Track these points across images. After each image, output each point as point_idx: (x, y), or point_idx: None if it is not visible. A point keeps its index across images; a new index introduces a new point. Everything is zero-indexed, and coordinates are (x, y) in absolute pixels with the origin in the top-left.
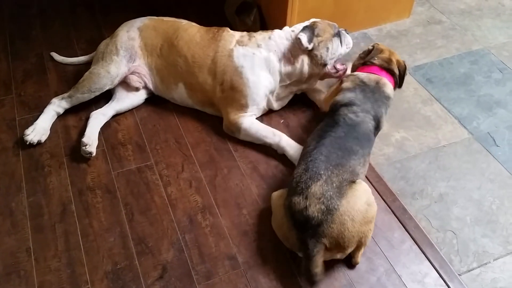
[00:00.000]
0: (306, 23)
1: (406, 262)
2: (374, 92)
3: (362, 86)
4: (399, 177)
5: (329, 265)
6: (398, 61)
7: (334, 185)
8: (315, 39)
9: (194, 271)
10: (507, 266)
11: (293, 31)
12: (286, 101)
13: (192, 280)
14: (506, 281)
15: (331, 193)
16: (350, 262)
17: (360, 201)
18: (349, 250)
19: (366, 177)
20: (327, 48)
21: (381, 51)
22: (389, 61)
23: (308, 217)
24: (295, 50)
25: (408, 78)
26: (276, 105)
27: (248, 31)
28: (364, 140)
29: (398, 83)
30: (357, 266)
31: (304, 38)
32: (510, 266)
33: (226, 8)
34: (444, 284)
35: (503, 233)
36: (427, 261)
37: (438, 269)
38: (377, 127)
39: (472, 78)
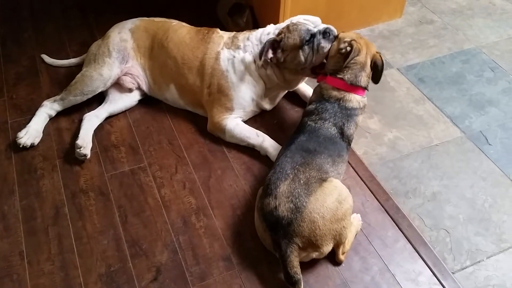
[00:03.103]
0: (287, 22)
1: (399, 261)
2: (334, 105)
3: (323, 100)
4: (392, 176)
5: (323, 265)
6: (374, 56)
7: (302, 181)
8: (280, 54)
9: (188, 272)
10: (500, 264)
11: (268, 33)
12: (277, 101)
13: (187, 281)
14: (499, 279)
15: (299, 190)
16: (345, 262)
17: (330, 198)
18: (326, 249)
19: (359, 176)
20: (296, 61)
21: (359, 51)
22: (362, 67)
23: (278, 217)
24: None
25: (400, 78)
26: (267, 106)
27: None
28: (327, 143)
29: (375, 79)
30: (351, 265)
31: (257, 58)
32: (503, 264)
33: (218, 10)
34: (438, 282)
35: (496, 231)
36: (421, 259)
37: (431, 267)
38: (342, 133)
39: (464, 77)
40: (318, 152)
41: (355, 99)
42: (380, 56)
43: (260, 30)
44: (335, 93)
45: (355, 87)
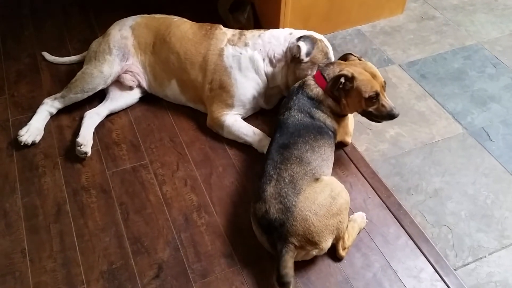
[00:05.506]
0: (311, 34)
1: (401, 258)
2: (298, 91)
3: (291, 90)
4: (394, 173)
5: (325, 262)
6: (343, 70)
7: (287, 180)
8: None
9: (190, 269)
10: (502, 260)
11: (290, 33)
12: (276, 101)
13: (188, 278)
14: (502, 275)
15: (286, 189)
16: (347, 259)
17: (322, 195)
18: (325, 245)
19: (361, 173)
20: (308, 72)
21: (340, 63)
22: (332, 65)
23: (270, 220)
24: (279, 53)
25: (402, 74)
26: (266, 105)
27: (241, 28)
28: (299, 131)
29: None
30: (353, 261)
31: (304, 48)
32: (505, 260)
33: (219, 6)
34: (440, 279)
35: (498, 227)
36: (423, 256)
37: (433, 264)
38: (312, 117)
39: (466, 73)
40: (292, 143)
41: (315, 88)
42: (345, 74)
43: (273, 30)
44: (303, 80)
45: (319, 75)
